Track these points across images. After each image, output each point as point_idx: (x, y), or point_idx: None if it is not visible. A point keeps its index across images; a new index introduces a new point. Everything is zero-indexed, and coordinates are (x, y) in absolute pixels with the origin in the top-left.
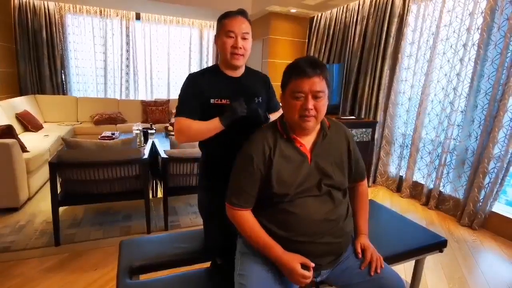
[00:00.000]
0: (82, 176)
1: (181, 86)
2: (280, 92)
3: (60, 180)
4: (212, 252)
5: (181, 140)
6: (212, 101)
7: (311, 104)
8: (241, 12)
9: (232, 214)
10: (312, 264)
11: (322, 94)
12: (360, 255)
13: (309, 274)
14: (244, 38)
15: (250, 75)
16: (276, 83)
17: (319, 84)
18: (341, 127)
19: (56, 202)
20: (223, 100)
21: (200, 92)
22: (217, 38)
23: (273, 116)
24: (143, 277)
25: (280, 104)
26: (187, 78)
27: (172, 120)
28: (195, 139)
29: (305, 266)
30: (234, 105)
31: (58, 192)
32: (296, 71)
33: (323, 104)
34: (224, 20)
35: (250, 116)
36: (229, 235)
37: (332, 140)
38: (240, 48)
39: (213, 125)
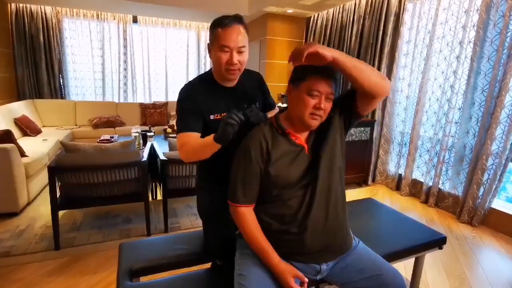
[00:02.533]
0: (81, 180)
1: (177, 100)
2: (275, 91)
3: (59, 184)
4: (212, 253)
5: (183, 157)
6: (211, 117)
7: (323, 104)
8: (237, 19)
9: (234, 211)
10: (306, 280)
11: (332, 96)
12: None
13: None
14: (240, 52)
15: (245, 79)
16: (274, 84)
17: (332, 86)
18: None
19: (55, 206)
20: (222, 114)
21: (198, 107)
22: (210, 47)
23: (270, 115)
24: (143, 279)
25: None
26: (182, 92)
27: (171, 122)
28: (196, 156)
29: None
30: (223, 125)
31: (57, 196)
32: (316, 69)
33: (330, 106)
34: (218, 30)
35: (252, 119)
36: (228, 237)
37: (325, 127)
38: (236, 64)
39: (209, 141)
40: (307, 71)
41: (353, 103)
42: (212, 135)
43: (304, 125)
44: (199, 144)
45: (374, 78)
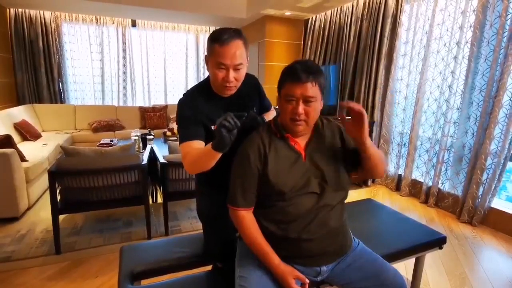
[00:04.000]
0: (81, 184)
1: (177, 111)
2: (274, 93)
3: (60, 188)
4: (212, 256)
5: (187, 169)
6: (213, 127)
7: (301, 108)
8: (235, 34)
9: (234, 215)
10: (307, 281)
11: (313, 99)
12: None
13: None
14: (236, 69)
15: (242, 86)
16: (273, 86)
17: (311, 89)
18: (333, 122)
19: (55, 211)
20: None
21: (199, 116)
22: (207, 60)
23: (267, 116)
24: (144, 282)
25: (271, 103)
26: (180, 103)
27: (170, 125)
28: (198, 166)
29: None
30: (218, 129)
31: (58, 200)
32: (290, 75)
33: (314, 109)
34: (215, 46)
35: (250, 123)
36: (229, 239)
37: (325, 137)
38: (232, 81)
39: (207, 150)
40: (285, 77)
41: (354, 162)
42: (210, 143)
43: (291, 131)
44: (198, 154)
45: (379, 167)
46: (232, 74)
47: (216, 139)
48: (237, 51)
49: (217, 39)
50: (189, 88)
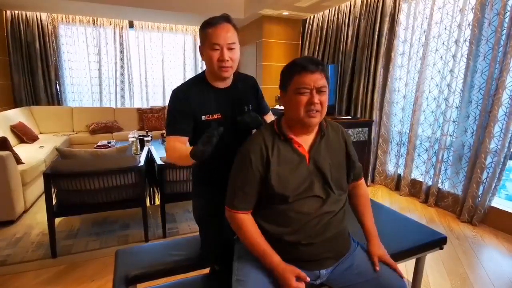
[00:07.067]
0: (77, 186)
1: (168, 103)
2: (273, 94)
3: (55, 190)
4: (209, 259)
5: (170, 161)
6: (203, 117)
7: (317, 98)
8: (224, 18)
9: (232, 217)
10: (308, 279)
11: (325, 89)
12: (378, 268)
13: (302, 286)
14: (230, 49)
15: (239, 82)
16: (271, 86)
17: (321, 79)
18: (338, 127)
19: (51, 214)
20: (214, 115)
21: (190, 109)
22: (202, 49)
23: (265, 119)
24: (140, 286)
25: (269, 106)
26: (173, 94)
27: None
28: (181, 163)
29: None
30: (204, 143)
31: (54, 203)
32: (298, 68)
33: (326, 99)
34: (207, 30)
35: (252, 124)
36: (226, 242)
37: (330, 139)
38: (227, 60)
39: (185, 154)
40: (291, 72)
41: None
42: (190, 148)
43: (304, 126)
44: (180, 154)
45: None
46: (226, 53)
47: (198, 151)
48: (228, 32)
49: (208, 24)
50: None
